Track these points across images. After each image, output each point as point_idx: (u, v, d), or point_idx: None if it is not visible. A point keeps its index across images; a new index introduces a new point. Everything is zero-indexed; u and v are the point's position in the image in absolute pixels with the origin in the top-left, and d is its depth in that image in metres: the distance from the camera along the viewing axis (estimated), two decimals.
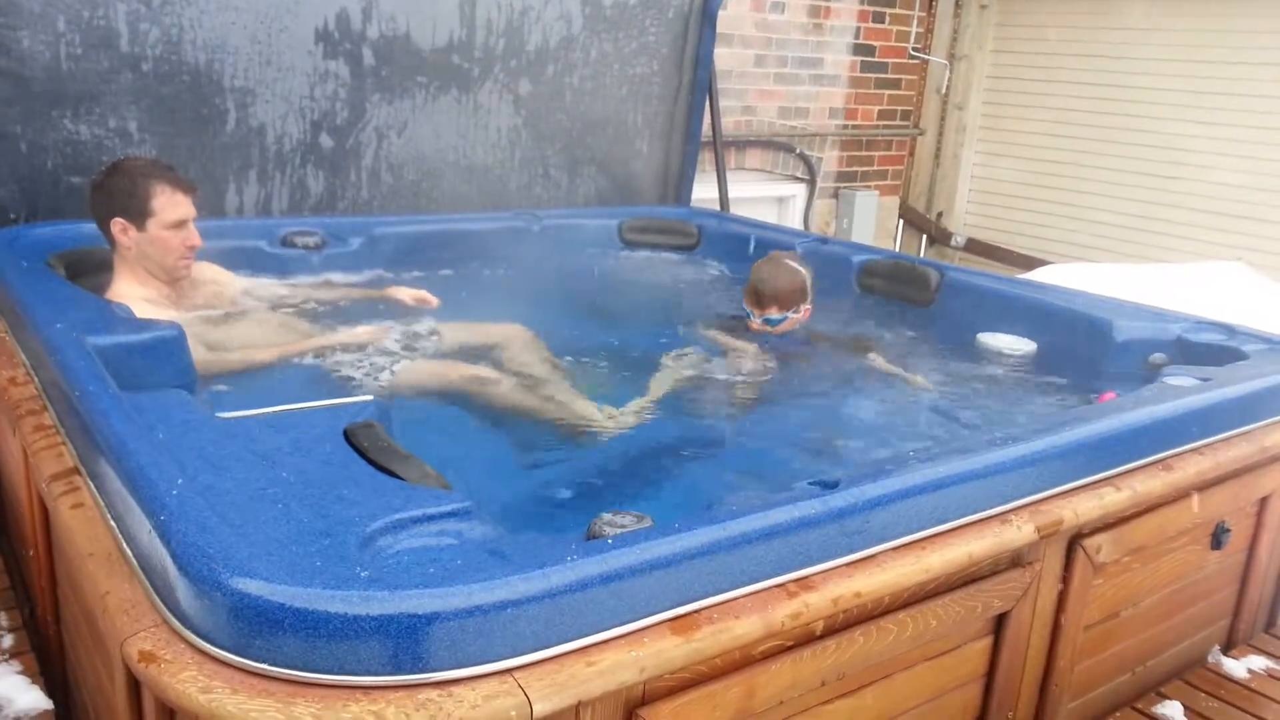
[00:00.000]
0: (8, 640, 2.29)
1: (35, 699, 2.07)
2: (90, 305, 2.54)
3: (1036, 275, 5.36)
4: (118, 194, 2.81)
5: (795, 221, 6.68)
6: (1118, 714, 2.32)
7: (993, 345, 3.30)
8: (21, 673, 2.16)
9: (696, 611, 1.53)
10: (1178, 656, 2.54)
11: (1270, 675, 2.51)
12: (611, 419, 2.69)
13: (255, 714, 1.25)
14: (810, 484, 1.74)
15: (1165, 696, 2.37)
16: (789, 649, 1.64)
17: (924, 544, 1.81)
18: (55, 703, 2.09)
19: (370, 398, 2.19)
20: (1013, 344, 3.29)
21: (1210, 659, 2.58)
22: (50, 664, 2.24)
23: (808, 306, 3.34)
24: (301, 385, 2.73)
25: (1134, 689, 2.42)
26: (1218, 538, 2.46)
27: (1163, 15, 6.47)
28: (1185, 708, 2.33)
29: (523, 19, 4.22)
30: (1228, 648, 2.66)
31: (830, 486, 1.73)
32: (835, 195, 6.83)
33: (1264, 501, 2.59)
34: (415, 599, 1.31)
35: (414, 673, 1.30)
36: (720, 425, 2.80)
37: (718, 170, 5.40)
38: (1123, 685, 2.40)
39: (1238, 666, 2.53)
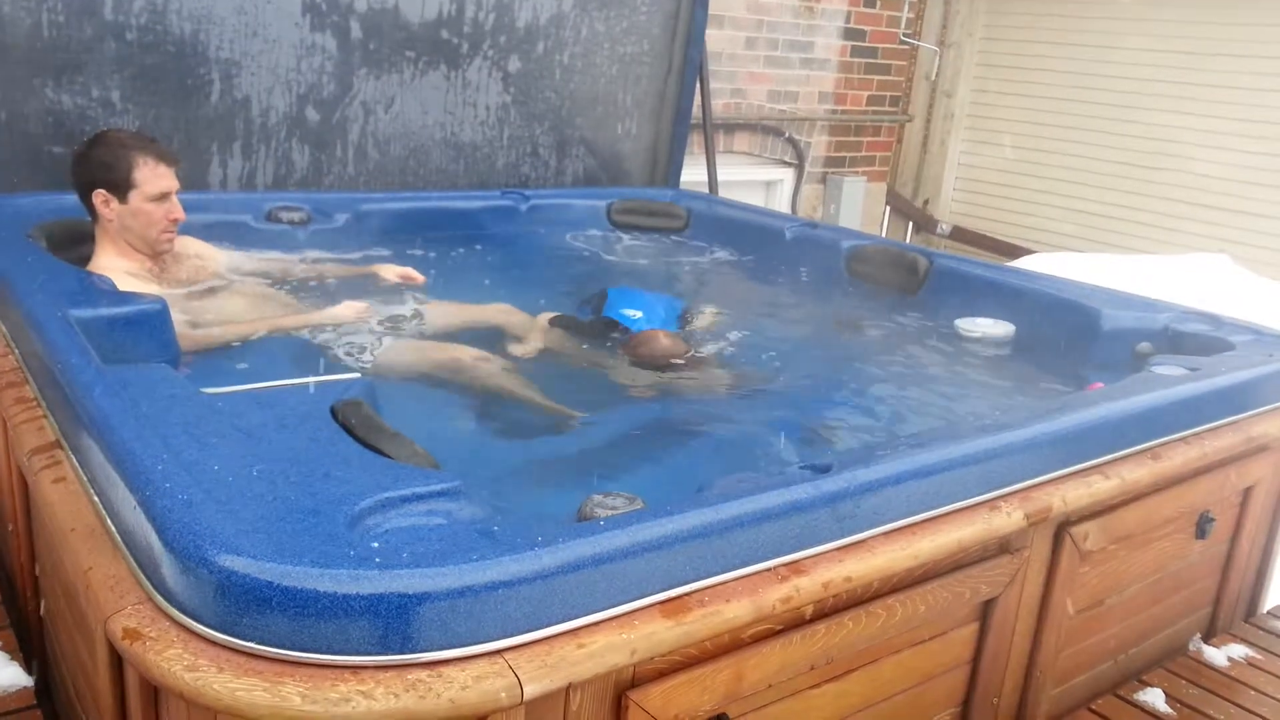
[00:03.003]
0: None
1: (14, 675, 2.05)
2: (72, 277, 2.50)
3: (1021, 264, 5.37)
4: (99, 165, 2.77)
5: (782, 206, 6.68)
6: (1100, 701, 2.34)
7: (970, 330, 3.30)
8: (1, 649, 2.13)
9: (687, 594, 1.52)
10: (1160, 644, 2.56)
11: (1250, 663, 2.52)
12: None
13: (242, 693, 1.24)
14: (802, 468, 1.74)
15: (1147, 684, 2.38)
16: (778, 633, 1.64)
17: (914, 529, 1.80)
18: (35, 679, 2.07)
19: (357, 375, 2.17)
20: (989, 326, 3.29)
21: (1191, 647, 2.60)
22: (29, 640, 2.21)
23: None
24: (286, 362, 2.70)
25: (1117, 676, 2.44)
26: (1202, 527, 2.48)
27: (1151, 7, 6.48)
28: (1166, 695, 2.34)
29: None
30: (1209, 636, 2.67)
31: (822, 470, 1.72)
32: (823, 180, 6.83)
33: (1248, 491, 2.60)
34: (405, 578, 1.29)
35: (403, 653, 1.29)
36: (712, 407, 2.79)
37: (707, 153, 5.37)
38: (1106, 672, 2.42)
39: (1218, 655, 2.55)
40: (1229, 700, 2.36)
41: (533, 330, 3.14)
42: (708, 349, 3.18)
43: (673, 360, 3.01)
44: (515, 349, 3.03)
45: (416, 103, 4.12)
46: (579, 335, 3.19)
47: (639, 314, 3.24)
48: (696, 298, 3.80)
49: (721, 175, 5.51)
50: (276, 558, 1.30)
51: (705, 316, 3.46)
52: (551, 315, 3.24)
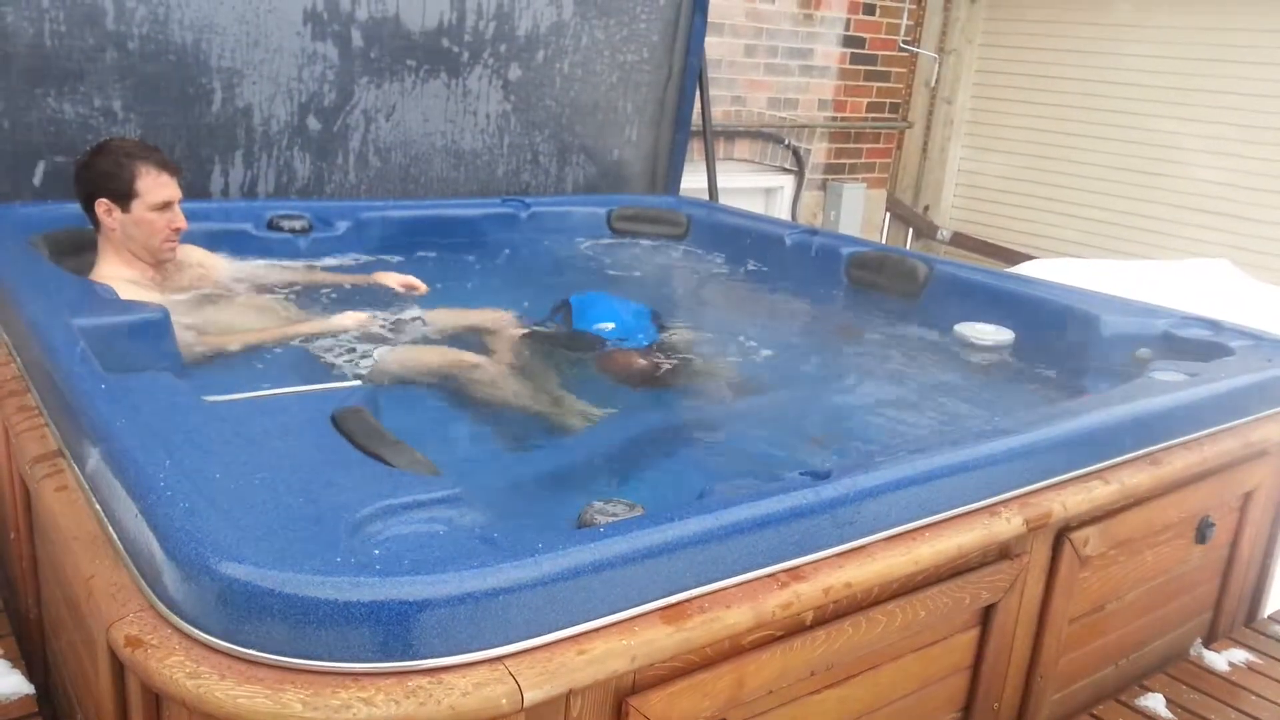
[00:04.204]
0: None
1: (16, 683, 2.05)
2: (74, 286, 2.52)
3: (1022, 270, 5.38)
4: (102, 175, 2.78)
5: (783, 213, 6.68)
6: (1101, 706, 2.34)
7: (970, 335, 3.30)
8: (2, 656, 2.14)
9: (688, 600, 1.52)
10: (1161, 649, 2.56)
11: (1250, 668, 2.52)
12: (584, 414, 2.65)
13: (243, 700, 1.24)
14: (802, 474, 1.74)
15: (1148, 689, 2.38)
16: (779, 639, 1.64)
17: (914, 535, 1.81)
18: (36, 687, 2.08)
19: (358, 383, 2.17)
20: (990, 333, 3.29)
21: (1192, 652, 2.60)
22: (31, 648, 2.22)
23: None
24: (287, 370, 2.71)
25: (1117, 681, 2.44)
26: (1202, 532, 2.48)
27: (1151, 12, 6.49)
28: (1167, 700, 2.34)
29: (513, 3, 4.19)
30: (1209, 641, 2.67)
31: (822, 476, 1.72)
32: (823, 187, 6.83)
33: (1248, 496, 2.60)
34: (406, 585, 1.29)
35: (404, 660, 1.29)
36: (712, 414, 2.80)
37: (707, 159, 5.38)
38: (1107, 677, 2.42)
39: (1219, 659, 2.55)
40: (1230, 705, 2.36)
41: (506, 343, 3.11)
42: (705, 356, 3.18)
43: (655, 372, 2.99)
44: (514, 355, 3.02)
45: (417, 111, 4.14)
46: (554, 348, 3.16)
47: (611, 325, 3.20)
48: (687, 305, 3.80)
49: (722, 182, 5.52)
50: (278, 565, 1.30)
51: (681, 330, 3.43)
52: (522, 330, 3.18)
